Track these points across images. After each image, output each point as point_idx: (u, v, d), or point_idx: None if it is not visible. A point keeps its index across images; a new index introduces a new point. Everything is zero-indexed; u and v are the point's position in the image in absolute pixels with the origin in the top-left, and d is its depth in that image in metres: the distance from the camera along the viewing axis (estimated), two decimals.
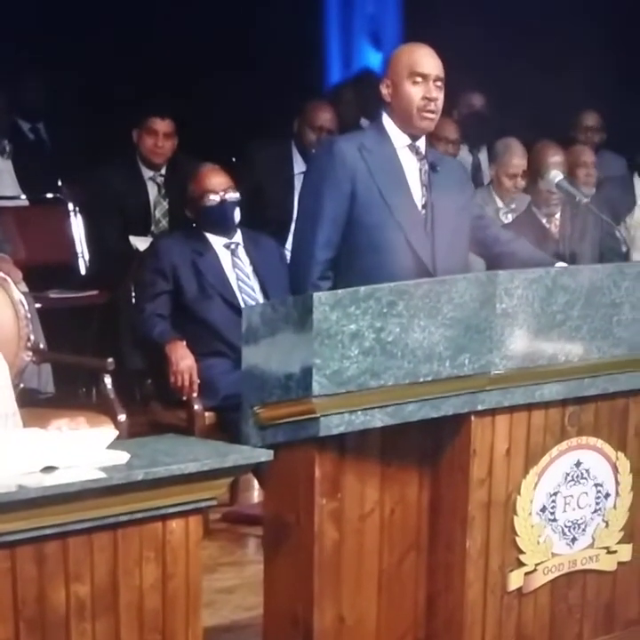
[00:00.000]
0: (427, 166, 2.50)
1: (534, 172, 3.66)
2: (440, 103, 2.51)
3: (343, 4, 5.77)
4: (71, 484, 1.83)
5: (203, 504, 1.99)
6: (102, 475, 1.86)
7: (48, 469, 1.85)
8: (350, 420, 2.13)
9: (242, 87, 4.75)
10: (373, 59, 5.76)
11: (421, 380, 2.17)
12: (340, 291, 2.12)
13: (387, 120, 2.53)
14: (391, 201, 2.44)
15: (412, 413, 2.19)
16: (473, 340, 2.21)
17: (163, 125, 4.10)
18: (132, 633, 1.95)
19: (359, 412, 2.13)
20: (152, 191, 4.14)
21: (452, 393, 2.22)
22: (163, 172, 4.15)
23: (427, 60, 2.49)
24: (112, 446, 1.93)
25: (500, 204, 4.01)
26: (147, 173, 4.15)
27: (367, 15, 5.75)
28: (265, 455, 2.04)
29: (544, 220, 3.62)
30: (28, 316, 2.77)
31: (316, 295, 2.08)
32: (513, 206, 3.97)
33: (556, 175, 2.94)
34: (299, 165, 4.05)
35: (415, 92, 2.46)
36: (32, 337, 2.78)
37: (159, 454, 1.97)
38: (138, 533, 1.93)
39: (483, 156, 4.61)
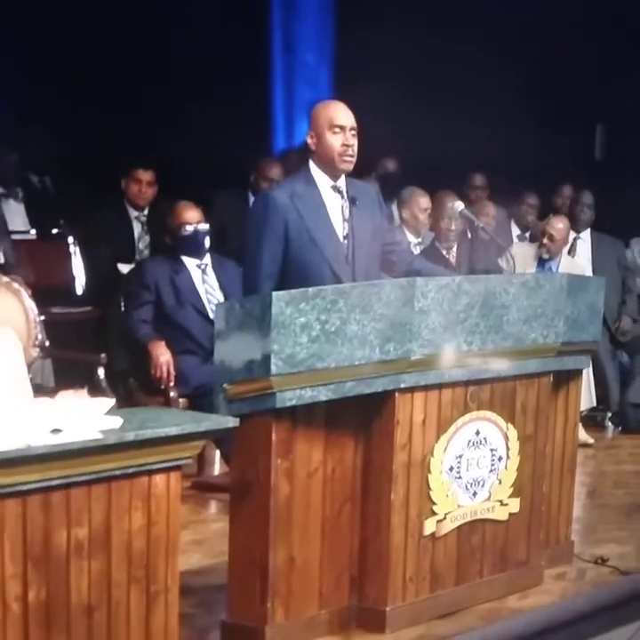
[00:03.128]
0: (347, 203, 2.44)
1: (437, 214, 3.77)
2: (356, 148, 2.44)
3: (287, 90, 5.92)
4: (73, 443, 1.77)
5: (182, 462, 1.93)
6: (100, 436, 1.80)
7: (55, 431, 1.78)
8: (301, 395, 2.11)
9: (208, 147, 4.81)
10: None
11: (357, 363, 2.15)
12: (293, 290, 2.10)
13: (313, 166, 2.46)
14: (318, 239, 2.39)
15: (349, 390, 2.18)
16: (397, 332, 2.21)
17: (146, 175, 4.10)
18: (122, 569, 1.88)
19: (308, 389, 2.11)
20: (137, 228, 4.14)
21: (380, 374, 2.21)
22: (145, 212, 4.15)
23: (343, 113, 2.44)
24: (108, 413, 1.87)
25: (410, 238, 4.06)
26: (132, 213, 4.14)
27: (306, 100, 5.86)
28: (232, 422, 2.00)
29: (444, 252, 3.75)
30: (37, 319, 2.68)
31: (274, 294, 2.05)
32: (420, 240, 4.05)
33: (459, 205, 2.98)
34: None
35: (335, 141, 2.40)
36: (39, 336, 2.68)
37: (147, 420, 1.92)
38: (128, 486, 1.87)
39: (394, 206, 4.70)
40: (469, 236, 3.70)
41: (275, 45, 5.84)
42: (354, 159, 2.45)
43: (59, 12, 4.77)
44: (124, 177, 4.11)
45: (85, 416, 1.82)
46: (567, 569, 2.66)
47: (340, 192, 2.47)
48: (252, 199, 4.13)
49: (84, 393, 1.90)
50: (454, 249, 3.76)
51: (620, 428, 4.24)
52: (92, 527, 1.82)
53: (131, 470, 1.85)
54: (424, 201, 3.95)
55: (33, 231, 4.28)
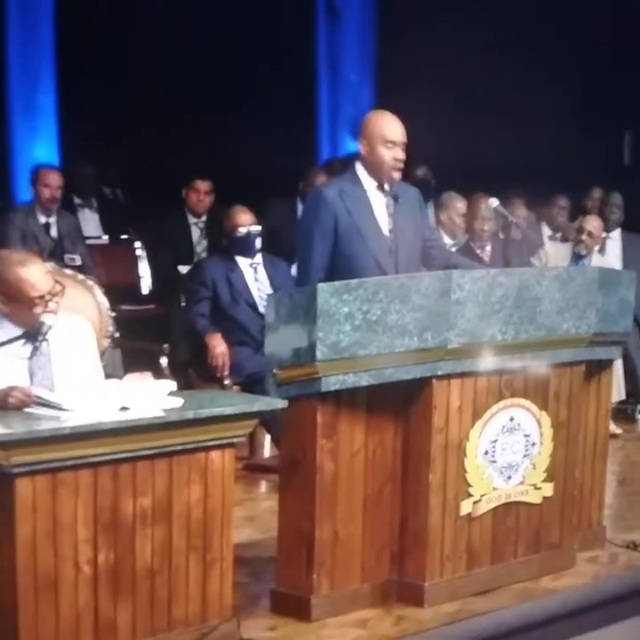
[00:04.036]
0: (391, 200, 2.44)
1: (471, 217, 3.75)
2: (403, 159, 2.46)
3: (332, 107, 6.02)
4: (139, 420, 1.80)
5: (235, 439, 1.95)
6: (162, 414, 1.83)
7: (123, 409, 1.82)
8: (344, 380, 2.10)
9: (261, 159, 4.91)
10: (352, 146, 5.91)
11: (396, 350, 2.13)
12: (336, 282, 2.10)
13: (359, 168, 2.46)
14: (365, 232, 2.40)
15: (389, 376, 2.16)
16: (434, 322, 2.18)
17: (203, 185, 4.16)
18: (182, 538, 1.91)
19: (351, 374, 2.10)
20: (195, 233, 4.20)
21: (418, 361, 2.18)
22: (203, 219, 4.21)
23: (397, 130, 2.44)
24: (170, 394, 1.90)
25: (446, 240, 4.03)
26: (192, 220, 4.21)
27: (349, 116, 5.93)
28: (281, 404, 2.01)
29: (478, 251, 3.71)
30: (108, 312, 2.73)
31: (319, 286, 2.06)
32: (456, 241, 4.02)
33: (494, 201, 2.93)
34: None
35: (388, 155, 2.41)
36: (110, 328, 2.73)
37: (205, 401, 1.95)
38: (187, 461, 1.89)
39: (429, 211, 4.64)
40: (502, 236, 3.66)
41: (321, 68, 6.03)
42: (401, 170, 2.47)
43: (122, 37, 4.90)
44: (185, 187, 4.19)
45: (150, 396, 1.85)
46: (599, 553, 2.58)
47: (384, 191, 2.47)
48: (300, 205, 4.16)
49: (148, 376, 1.93)
50: (488, 248, 3.72)
51: None
52: (155, 497, 1.85)
53: (190, 446, 1.87)
54: (461, 206, 3.94)
55: (105, 237, 4.42)
